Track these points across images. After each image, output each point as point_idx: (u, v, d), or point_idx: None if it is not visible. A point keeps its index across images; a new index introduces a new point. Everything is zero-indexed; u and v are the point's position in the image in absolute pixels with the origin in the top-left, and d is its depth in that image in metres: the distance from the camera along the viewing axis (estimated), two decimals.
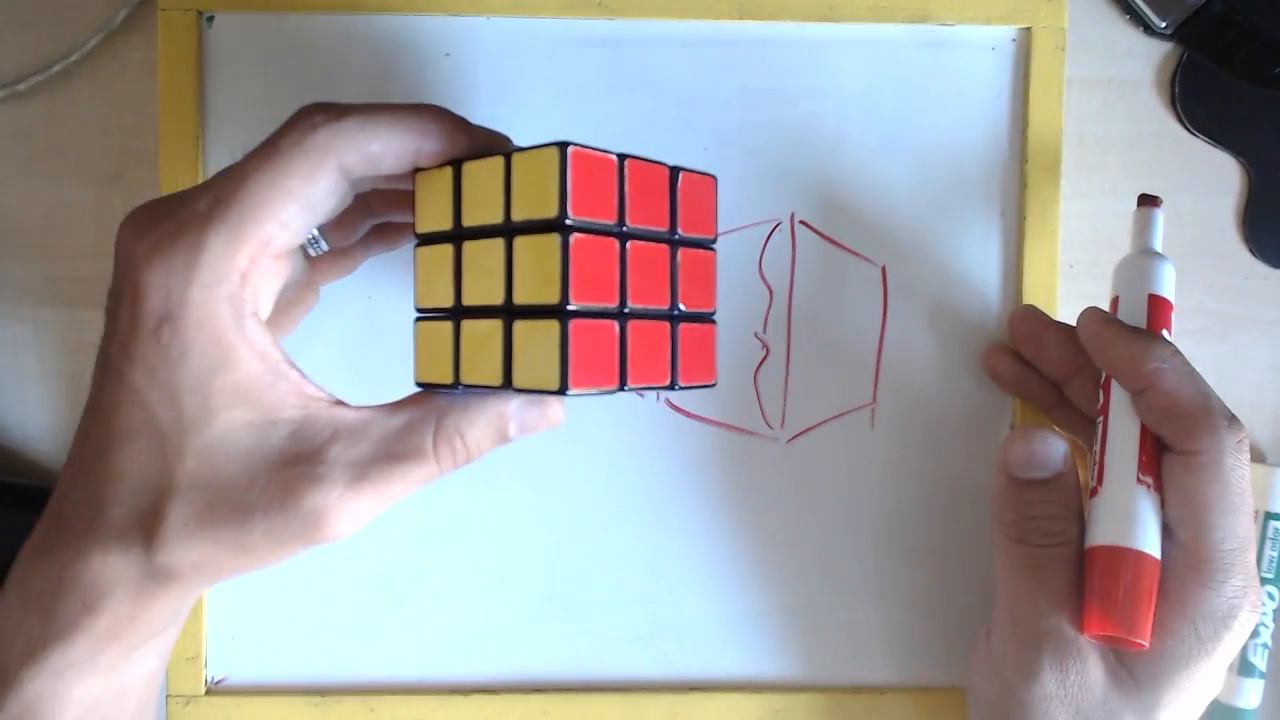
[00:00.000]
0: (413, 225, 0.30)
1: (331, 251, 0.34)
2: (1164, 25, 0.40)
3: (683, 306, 0.30)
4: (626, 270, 0.28)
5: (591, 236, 0.27)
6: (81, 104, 0.40)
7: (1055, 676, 0.32)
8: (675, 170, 0.30)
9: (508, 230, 0.28)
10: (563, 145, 0.26)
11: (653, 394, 0.38)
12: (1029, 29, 0.38)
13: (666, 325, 0.30)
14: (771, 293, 0.39)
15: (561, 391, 0.26)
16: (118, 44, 0.40)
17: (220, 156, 0.38)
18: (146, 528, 0.26)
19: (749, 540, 0.39)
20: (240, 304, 0.26)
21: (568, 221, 0.26)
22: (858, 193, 0.39)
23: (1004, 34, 0.39)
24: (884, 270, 0.39)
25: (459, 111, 0.38)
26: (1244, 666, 0.41)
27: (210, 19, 0.37)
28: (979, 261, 0.39)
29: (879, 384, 0.39)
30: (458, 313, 0.29)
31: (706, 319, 0.31)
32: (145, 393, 0.26)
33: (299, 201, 0.27)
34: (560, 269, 0.26)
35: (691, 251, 0.30)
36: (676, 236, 0.30)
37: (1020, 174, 0.39)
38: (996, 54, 0.39)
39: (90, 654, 0.27)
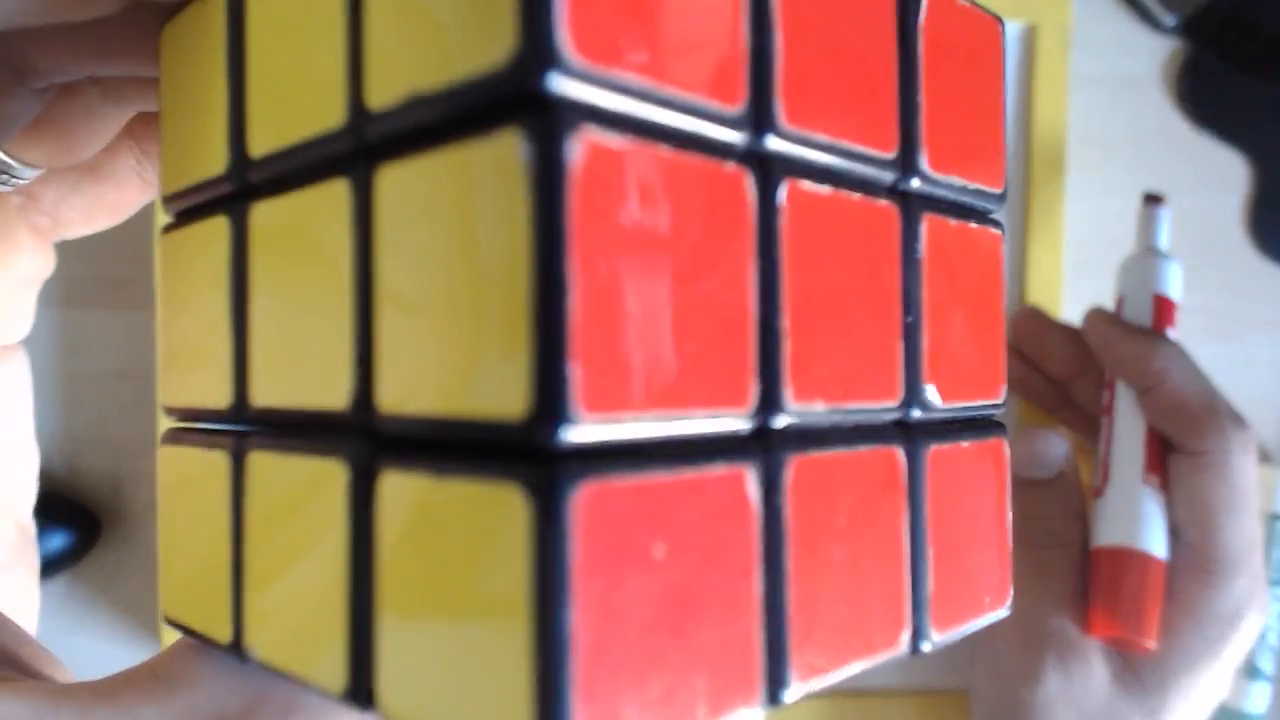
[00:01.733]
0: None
1: (67, 174, 0.17)
2: (1170, 21, 0.40)
3: (935, 397, 0.12)
4: (779, 282, 0.10)
5: (640, 146, 0.08)
6: None
7: (1059, 679, 0.32)
8: None
9: (361, 153, 0.10)
10: None
11: None
12: (1033, 25, 0.38)
13: (897, 458, 0.11)
14: None
15: None
16: None
17: None
18: None
19: None
20: None
21: (552, 88, 0.08)
22: None
23: (1008, 30, 0.38)
24: None
25: None
26: (1250, 670, 0.41)
27: None
28: None
29: None
30: (241, 435, 0.11)
31: (994, 430, 0.13)
32: None
33: None
34: (537, 262, 0.08)
35: (957, 229, 0.12)
36: (923, 175, 0.11)
37: (1024, 172, 0.38)
38: None
39: None
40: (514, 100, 0.08)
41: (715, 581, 0.08)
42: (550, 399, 0.07)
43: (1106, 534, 0.32)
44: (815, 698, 0.38)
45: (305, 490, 0.10)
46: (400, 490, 0.09)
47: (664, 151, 0.08)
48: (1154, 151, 0.41)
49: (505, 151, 0.08)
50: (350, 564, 0.09)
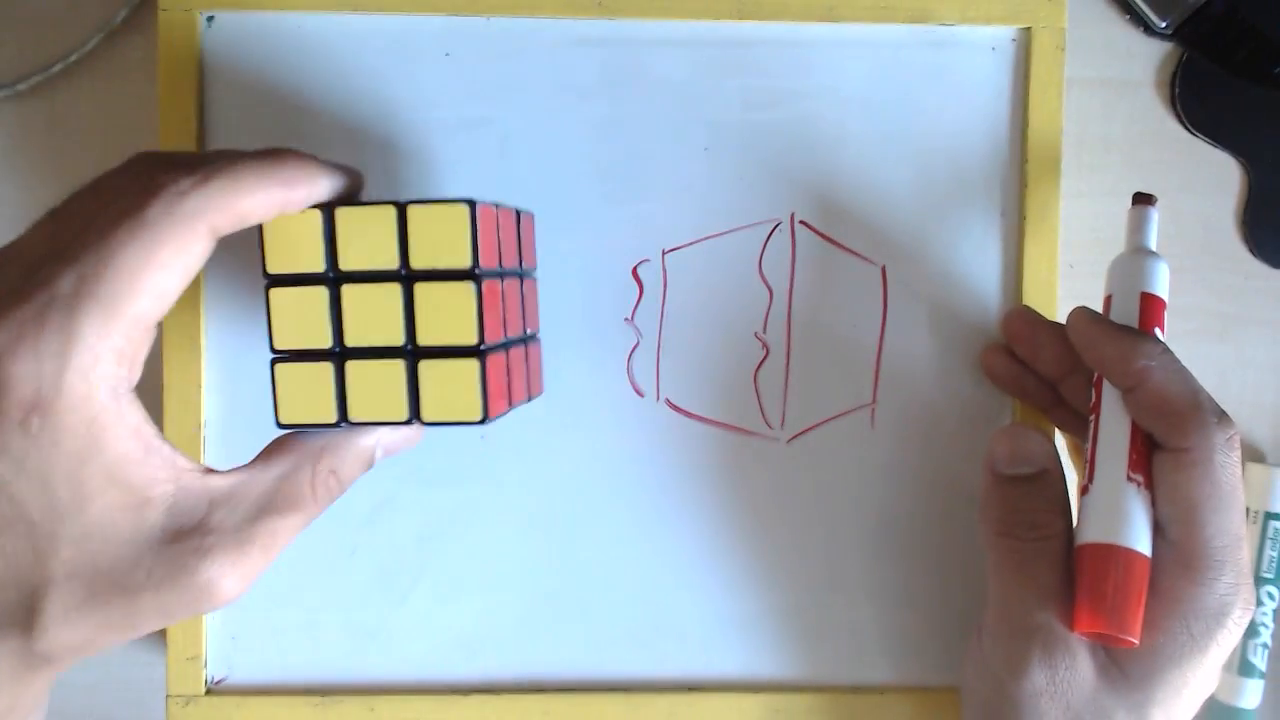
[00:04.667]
0: (261, 266, 0.30)
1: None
2: (1164, 25, 0.40)
3: (529, 330, 0.35)
4: (507, 307, 0.32)
5: (490, 281, 0.30)
6: (81, 104, 0.40)
7: (1045, 672, 0.32)
8: (518, 212, 0.34)
9: (406, 277, 0.29)
10: (470, 202, 0.29)
11: (652, 393, 0.39)
12: (1029, 29, 0.38)
13: (523, 348, 0.34)
14: (771, 293, 0.39)
15: (484, 421, 0.30)
16: (118, 44, 0.40)
17: None
18: (23, 620, 0.26)
19: (748, 540, 0.39)
20: (117, 383, 0.26)
21: (478, 271, 0.29)
22: (858, 193, 0.39)
23: (1004, 34, 0.39)
24: (884, 270, 0.39)
25: (461, 108, 0.38)
26: (1244, 667, 0.41)
27: (210, 19, 0.37)
28: (979, 261, 0.39)
29: (879, 384, 0.39)
30: (341, 354, 0.30)
31: (537, 339, 0.36)
32: (13, 484, 0.25)
33: (172, 270, 0.26)
34: (476, 314, 0.29)
35: (530, 281, 0.35)
36: (523, 270, 0.34)
37: (1020, 174, 0.39)
38: (996, 54, 0.39)
39: None
40: (469, 274, 0.29)
41: (503, 375, 0.31)
42: (481, 337, 0.30)
43: (1091, 531, 0.32)
44: (813, 693, 0.38)
45: (382, 371, 0.30)
46: (432, 367, 0.30)
47: (495, 282, 0.31)
48: (1149, 154, 0.41)
49: (468, 286, 0.30)
50: (407, 383, 0.30)
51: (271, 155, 0.29)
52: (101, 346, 0.25)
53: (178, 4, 0.37)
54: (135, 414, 0.26)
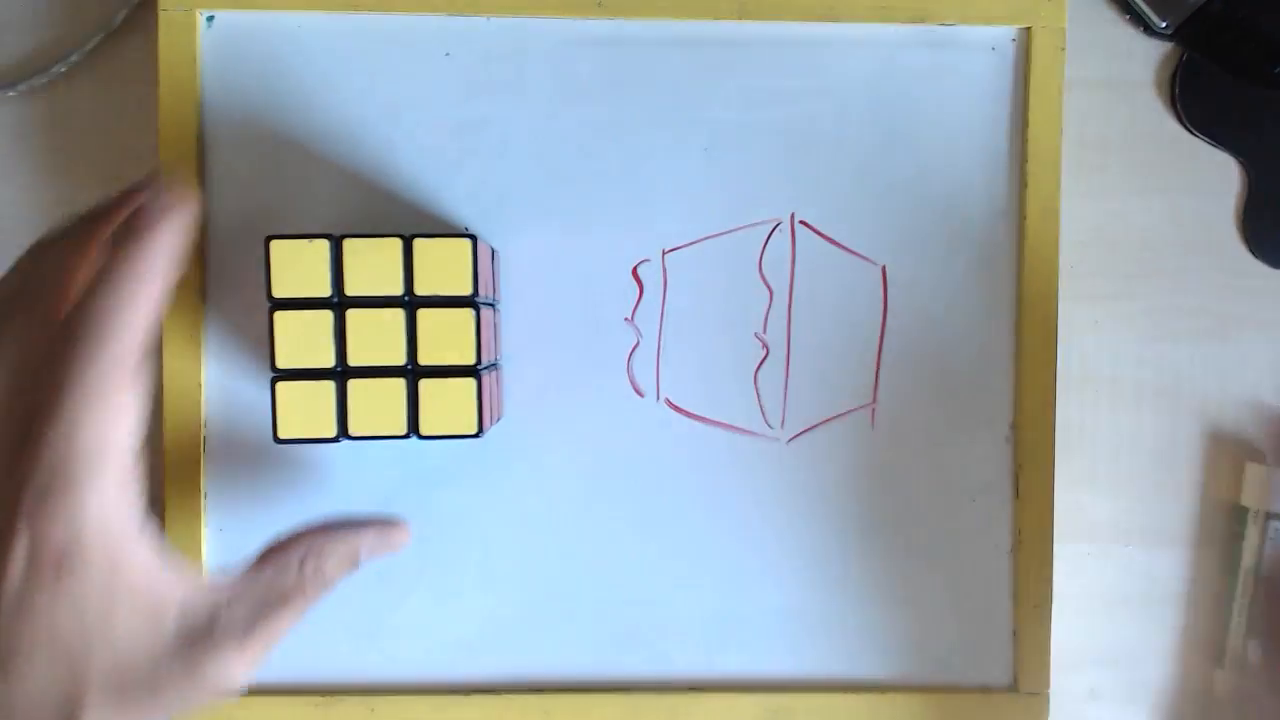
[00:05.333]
0: (265, 290, 0.32)
1: None
2: (1164, 25, 0.40)
3: (495, 358, 0.38)
4: (492, 332, 0.35)
5: (484, 308, 0.33)
6: (81, 104, 0.40)
7: None
8: (492, 249, 0.37)
9: (409, 303, 0.32)
10: (472, 237, 0.32)
11: (652, 393, 0.39)
12: (1029, 29, 0.38)
13: (494, 373, 0.36)
14: (771, 293, 0.39)
15: (478, 434, 0.33)
16: (118, 44, 0.40)
17: (220, 156, 0.38)
18: None
19: (749, 540, 0.39)
20: (127, 511, 0.28)
21: (477, 299, 0.32)
22: (858, 193, 0.39)
23: (1004, 34, 0.39)
24: (884, 270, 0.39)
25: (461, 108, 0.38)
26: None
27: (210, 19, 0.37)
28: (979, 261, 0.39)
29: (879, 384, 0.39)
30: (343, 373, 0.32)
31: (500, 366, 0.38)
32: (50, 614, 0.28)
33: (128, 406, 0.28)
34: (475, 337, 0.32)
35: (496, 312, 0.38)
36: (492, 301, 0.37)
37: (1020, 174, 0.39)
38: (996, 54, 0.39)
39: None
40: (469, 302, 0.33)
41: (487, 394, 0.34)
42: (478, 358, 0.33)
43: None
44: (813, 693, 0.38)
45: (382, 388, 0.33)
46: (432, 385, 0.33)
47: (486, 309, 0.34)
48: (1149, 154, 0.42)
49: (468, 312, 0.33)
50: (407, 399, 0.33)
51: (128, 261, 0.28)
52: (105, 488, 0.28)
53: (178, 4, 0.37)
54: (146, 537, 0.29)
